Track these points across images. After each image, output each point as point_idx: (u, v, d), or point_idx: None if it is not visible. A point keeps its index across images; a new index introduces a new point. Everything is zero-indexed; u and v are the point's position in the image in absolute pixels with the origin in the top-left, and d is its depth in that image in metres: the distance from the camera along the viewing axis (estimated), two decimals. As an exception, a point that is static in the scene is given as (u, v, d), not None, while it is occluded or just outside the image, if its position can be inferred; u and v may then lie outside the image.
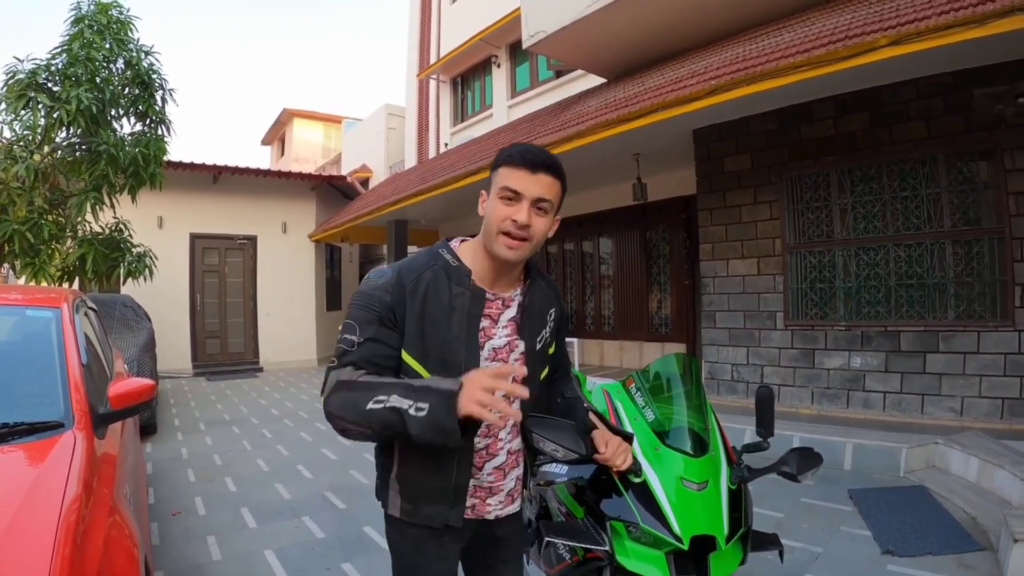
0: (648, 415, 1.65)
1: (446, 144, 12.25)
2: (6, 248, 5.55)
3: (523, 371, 1.00)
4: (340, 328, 1.17)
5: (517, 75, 10.75)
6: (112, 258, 6.23)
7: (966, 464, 3.54)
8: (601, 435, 1.28)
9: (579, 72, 8.42)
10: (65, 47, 5.73)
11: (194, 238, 10.15)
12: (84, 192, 5.78)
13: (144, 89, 6.26)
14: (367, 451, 3.69)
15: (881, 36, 3.40)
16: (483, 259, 1.19)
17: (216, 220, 10.33)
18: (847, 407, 4.74)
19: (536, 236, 1.13)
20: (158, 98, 6.38)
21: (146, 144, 6.10)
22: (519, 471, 1.29)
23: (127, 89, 6.24)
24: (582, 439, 1.22)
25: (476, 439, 1.18)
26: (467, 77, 12.19)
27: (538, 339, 1.26)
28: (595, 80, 7.81)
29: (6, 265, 6.15)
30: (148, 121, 6.44)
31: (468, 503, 1.21)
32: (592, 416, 1.33)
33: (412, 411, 0.98)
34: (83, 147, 5.95)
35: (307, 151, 21.64)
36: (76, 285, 6.53)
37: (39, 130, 5.64)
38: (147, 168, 6.09)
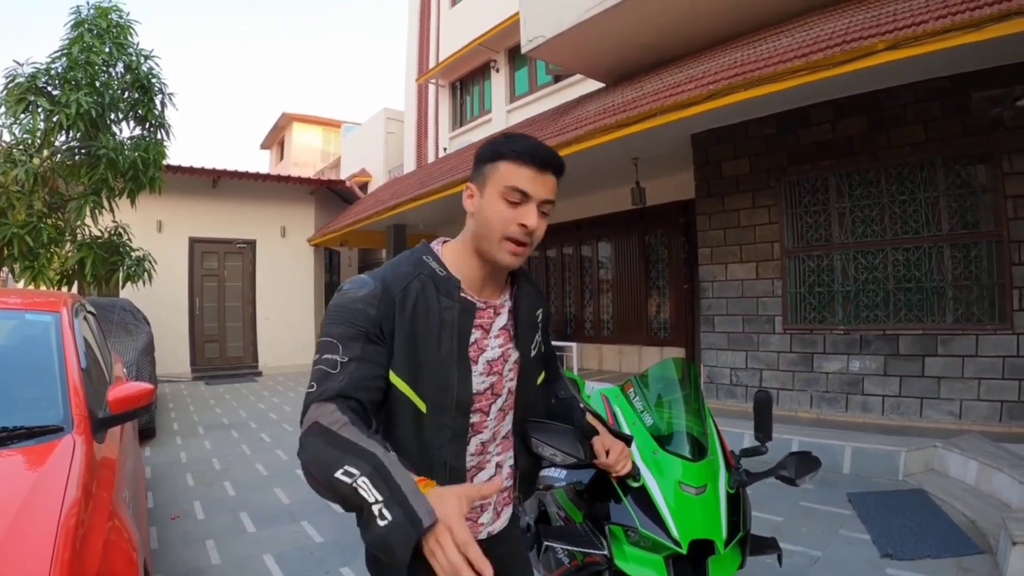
0: (647, 420, 1.65)
1: (445, 149, 12.27)
2: (5, 252, 5.54)
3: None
4: (317, 347, 1.01)
5: (516, 80, 10.77)
6: (111, 262, 6.23)
7: (965, 467, 3.54)
8: (601, 442, 1.26)
9: (578, 77, 8.44)
10: (65, 51, 5.74)
11: (193, 242, 10.16)
12: (83, 196, 5.78)
13: (144, 93, 6.27)
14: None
15: (879, 41, 3.42)
16: (472, 264, 1.09)
17: (215, 224, 10.33)
18: (846, 411, 4.74)
19: (537, 240, 1.05)
20: (157, 102, 6.39)
21: (145, 148, 6.11)
22: (508, 483, 1.22)
23: (127, 93, 6.25)
24: (581, 444, 1.22)
25: (468, 456, 1.11)
26: (466, 81, 12.21)
27: (532, 346, 1.20)
28: (594, 85, 7.83)
29: (5, 269, 6.15)
30: (147, 125, 6.45)
31: None
32: (590, 417, 1.32)
33: (375, 510, 0.78)
34: (82, 151, 5.95)
35: (306, 155, 21.63)
36: (75, 289, 6.53)
37: (39, 134, 5.64)
38: (146, 172, 6.10)
